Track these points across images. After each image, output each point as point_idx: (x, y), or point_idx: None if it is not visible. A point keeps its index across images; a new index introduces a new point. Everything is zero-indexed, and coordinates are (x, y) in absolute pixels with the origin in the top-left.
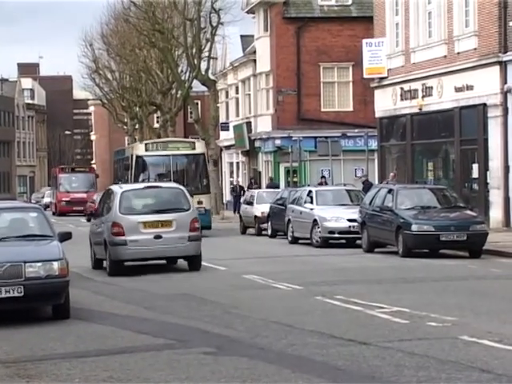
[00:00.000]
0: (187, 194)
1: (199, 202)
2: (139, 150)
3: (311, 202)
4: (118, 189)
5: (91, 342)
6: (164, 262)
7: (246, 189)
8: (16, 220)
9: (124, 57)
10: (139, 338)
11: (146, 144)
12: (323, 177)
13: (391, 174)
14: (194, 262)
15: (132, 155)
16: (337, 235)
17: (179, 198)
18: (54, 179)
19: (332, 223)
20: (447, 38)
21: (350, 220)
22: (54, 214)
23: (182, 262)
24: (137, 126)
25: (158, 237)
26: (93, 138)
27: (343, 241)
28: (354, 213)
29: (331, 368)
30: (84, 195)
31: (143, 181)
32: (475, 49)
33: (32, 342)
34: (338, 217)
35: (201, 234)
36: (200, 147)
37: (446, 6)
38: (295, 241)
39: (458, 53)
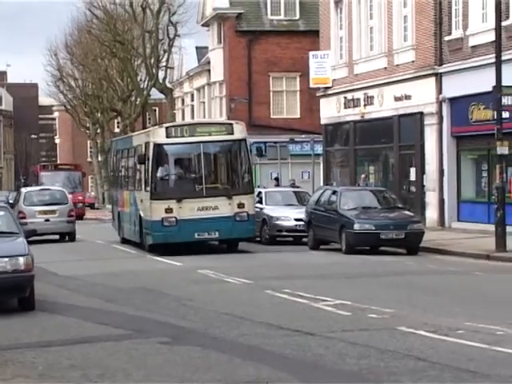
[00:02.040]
0: (67, 194)
1: (240, 205)
2: (158, 136)
3: (261, 202)
4: (23, 189)
5: (55, 332)
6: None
7: None
8: None
9: (87, 66)
10: (100, 328)
11: (167, 128)
12: (276, 179)
13: (362, 176)
14: (71, 236)
15: (148, 144)
16: (284, 233)
17: (62, 196)
18: (35, 178)
19: (280, 222)
20: (387, 51)
21: (296, 219)
22: None
23: (136, 260)
24: (98, 131)
25: (47, 220)
26: (57, 141)
27: (290, 238)
28: (300, 212)
29: (279, 356)
30: (69, 196)
31: (161, 179)
32: (413, 61)
33: None
34: (286, 216)
35: (75, 219)
36: (239, 131)
37: (386, 22)
38: None
39: (397, 65)
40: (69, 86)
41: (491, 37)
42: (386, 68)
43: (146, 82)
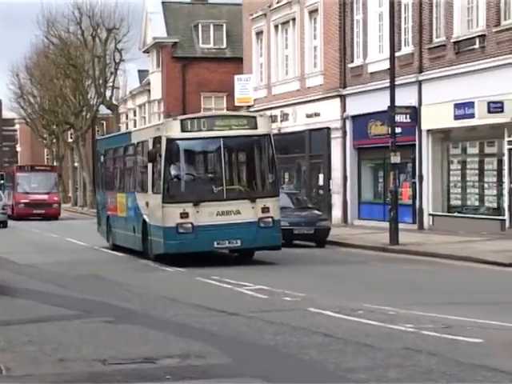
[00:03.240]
0: (1, 193)
1: (264, 210)
2: (172, 129)
3: None
4: None
5: (14, 313)
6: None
7: None
8: None
9: (44, 85)
10: (54, 309)
11: (182, 121)
12: None
13: (286, 180)
14: (4, 224)
15: (158, 139)
16: None
17: None
18: (11, 179)
19: None
20: (300, 76)
21: None
22: (9, 217)
23: (86, 251)
24: (54, 141)
25: None
26: (18, 149)
27: None
28: None
29: (207, 333)
30: (45, 196)
31: (176, 179)
32: (321, 85)
33: None
34: None
35: (7, 212)
36: (264, 125)
37: (300, 51)
38: None
39: (308, 87)
40: (28, 102)
41: (386, 65)
42: (298, 90)
43: (95, 100)
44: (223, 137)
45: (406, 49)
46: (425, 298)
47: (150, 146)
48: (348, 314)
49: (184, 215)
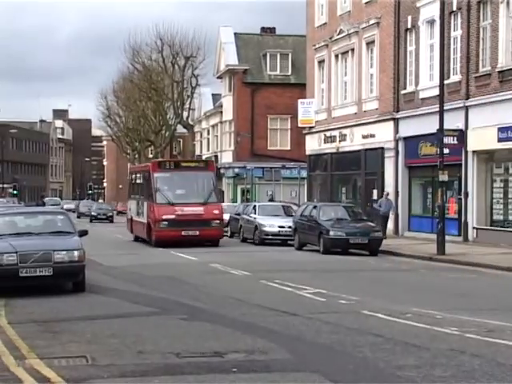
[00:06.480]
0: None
1: None
2: None
3: (255, 213)
4: None
5: (100, 308)
6: None
7: None
8: (48, 220)
9: (128, 107)
10: (134, 306)
11: None
12: (271, 194)
13: (385, 193)
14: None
15: None
16: (270, 237)
17: None
18: (146, 181)
19: (266, 228)
20: (357, 100)
21: (280, 226)
22: (143, 241)
23: (162, 255)
24: (136, 156)
25: None
26: (105, 163)
27: (279, 241)
28: (285, 221)
29: (270, 331)
30: (200, 209)
31: None
32: (376, 109)
33: (57, 308)
34: (271, 224)
35: None
36: None
37: (357, 78)
38: (245, 240)
39: (365, 111)
40: (115, 122)
41: (436, 92)
42: (356, 113)
43: (174, 120)
44: None
45: (455, 77)
46: (469, 304)
47: None
48: (398, 316)
49: None
